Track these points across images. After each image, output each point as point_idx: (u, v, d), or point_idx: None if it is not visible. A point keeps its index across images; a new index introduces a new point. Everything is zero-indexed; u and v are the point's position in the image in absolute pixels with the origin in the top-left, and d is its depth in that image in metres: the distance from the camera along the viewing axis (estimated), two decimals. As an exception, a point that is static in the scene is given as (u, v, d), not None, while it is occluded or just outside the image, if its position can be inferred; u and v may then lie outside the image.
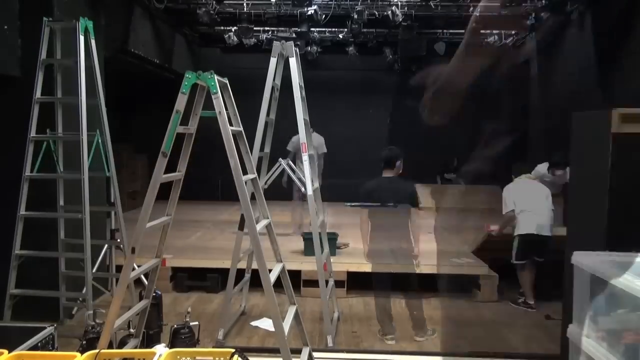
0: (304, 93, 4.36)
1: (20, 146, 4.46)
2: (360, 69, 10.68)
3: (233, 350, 2.22)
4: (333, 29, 9.46)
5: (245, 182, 2.86)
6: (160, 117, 6.81)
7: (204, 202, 9.66)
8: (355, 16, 7.49)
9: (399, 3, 7.58)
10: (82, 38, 4.23)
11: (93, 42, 4.38)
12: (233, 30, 8.73)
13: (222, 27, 8.91)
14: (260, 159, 4.39)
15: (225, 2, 7.67)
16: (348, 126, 10.80)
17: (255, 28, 8.46)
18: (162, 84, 9.11)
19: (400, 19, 7.49)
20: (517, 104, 10.32)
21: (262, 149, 4.39)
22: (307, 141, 4.24)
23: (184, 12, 7.74)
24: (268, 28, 9.05)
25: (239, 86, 4.45)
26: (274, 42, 4.36)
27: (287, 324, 2.93)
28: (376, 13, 7.63)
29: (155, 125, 8.62)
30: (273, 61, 4.29)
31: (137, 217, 2.78)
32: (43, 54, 4.21)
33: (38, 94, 4.23)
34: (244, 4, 7.90)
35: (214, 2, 7.34)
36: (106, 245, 5.13)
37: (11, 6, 4.36)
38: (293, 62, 4.26)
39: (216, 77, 2.84)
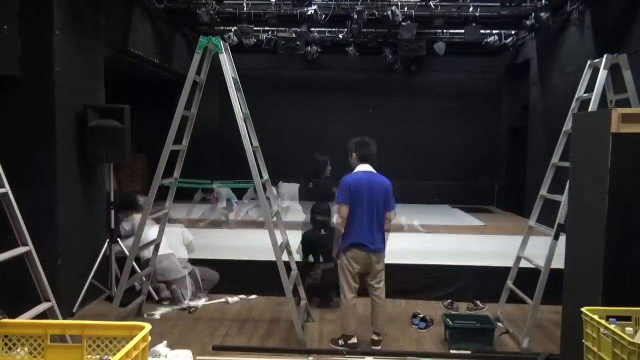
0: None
1: (20, 146, 4.46)
2: (360, 69, 10.67)
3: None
4: (333, 29, 9.45)
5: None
6: (159, 117, 6.84)
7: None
8: (355, 16, 7.48)
9: (399, 3, 7.57)
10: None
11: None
12: (233, 30, 8.73)
13: (222, 27, 8.91)
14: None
15: (225, 2, 7.67)
16: (348, 126, 10.82)
17: (255, 28, 8.46)
18: (162, 84, 9.12)
19: (400, 19, 7.49)
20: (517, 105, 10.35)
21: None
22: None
23: (184, 12, 7.73)
24: (268, 28, 9.04)
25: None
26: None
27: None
28: (376, 13, 7.62)
29: (155, 125, 8.63)
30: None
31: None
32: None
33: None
34: (244, 4, 7.90)
35: (214, 2, 7.34)
36: (106, 244, 5.14)
37: (11, 6, 4.36)
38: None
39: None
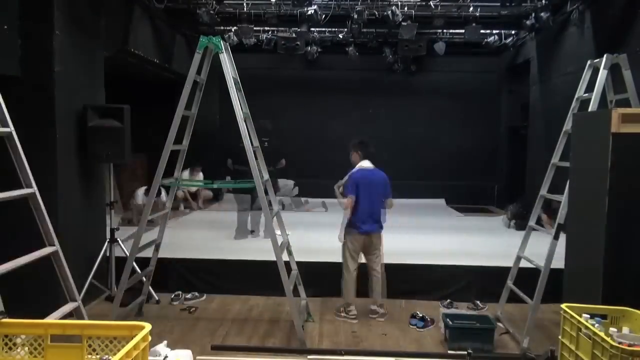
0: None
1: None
2: (360, 69, 10.67)
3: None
4: (333, 29, 9.45)
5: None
6: (159, 117, 6.83)
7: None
8: (355, 16, 7.48)
9: (399, 3, 7.57)
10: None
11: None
12: (233, 30, 8.73)
13: (222, 27, 8.91)
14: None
15: (225, 2, 7.67)
16: (348, 126, 10.82)
17: (255, 28, 8.46)
18: (162, 84, 9.12)
19: (400, 19, 7.49)
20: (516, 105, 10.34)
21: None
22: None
23: (184, 12, 7.73)
24: (268, 28, 9.05)
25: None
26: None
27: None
28: (376, 13, 7.62)
29: (155, 124, 8.60)
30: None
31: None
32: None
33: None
34: (244, 4, 7.90)
35: (214, 2, 7.34)
36: (106, 244, 5.14)
37: (11, 6, 4.36)
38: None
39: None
